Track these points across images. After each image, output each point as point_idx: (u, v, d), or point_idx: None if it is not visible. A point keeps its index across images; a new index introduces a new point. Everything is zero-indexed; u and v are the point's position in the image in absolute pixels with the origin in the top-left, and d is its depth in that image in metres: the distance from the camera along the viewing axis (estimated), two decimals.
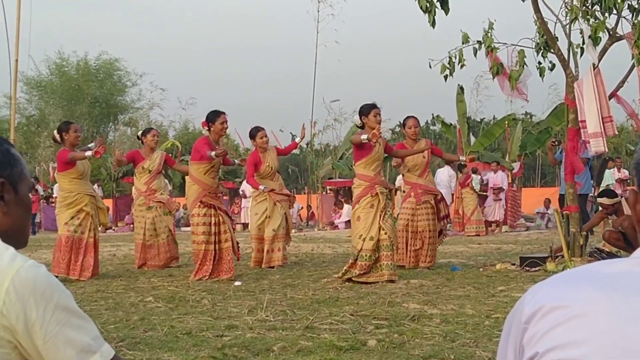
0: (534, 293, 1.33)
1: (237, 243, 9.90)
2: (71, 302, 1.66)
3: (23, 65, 20.88)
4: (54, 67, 44.16)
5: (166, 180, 12.14)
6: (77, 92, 43.11)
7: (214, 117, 9.58)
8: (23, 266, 1.61)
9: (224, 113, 9.63)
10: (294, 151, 15.99)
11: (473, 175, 19.94)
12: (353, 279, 8.71)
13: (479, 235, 19.03)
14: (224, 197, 28.37)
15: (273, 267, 10.67)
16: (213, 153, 9.28)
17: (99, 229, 10.53)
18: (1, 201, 1.74)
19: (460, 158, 12.48)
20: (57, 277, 8.30)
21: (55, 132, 10.20)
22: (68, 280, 9.49)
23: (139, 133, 12.25)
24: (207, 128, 9.60)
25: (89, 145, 10.59)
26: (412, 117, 10.60)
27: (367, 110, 9.09)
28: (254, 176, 11.23)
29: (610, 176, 21.09)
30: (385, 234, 8.76)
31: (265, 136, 11.32)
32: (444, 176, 20.54)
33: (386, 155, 9.52)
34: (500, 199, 21.14)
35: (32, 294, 1.59)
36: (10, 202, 1.75)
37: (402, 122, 10.94)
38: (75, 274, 9.69)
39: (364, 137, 8.76)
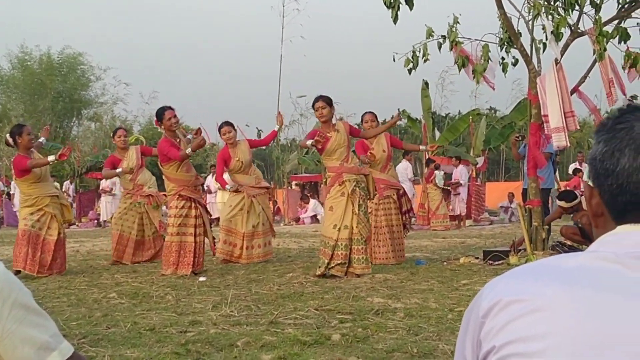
0: (491, 287, 1.33)
1: (214, 239, 9.91)
2: (29, 300, 1.64)
3: None
4: (17, 61, 43.54)
5: (150, 174, 12.03)
6: (40, 87, 42.55)
7: (161, 114, 9.63)
8: None
9: (170, 108, 9.65)
10: (260, 146, 15.92)
11: (436, 172, 20.04)
12: (331, 270, 8.72)
13: (446, 229, 19.11)
14: None
15: (239, 263, 10.66)
16: (188, 150, 9.29)
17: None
18: None
19: (421, 147, 12.51)
20: (19, 272, 8.24)
21: (7, 135, 9.95)
22: (30, 277, 9.37)
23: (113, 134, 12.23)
24: (159, 126, 9.66)
25: (40, 140, 10.52)
26: (369, 112, 10.58)
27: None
28: (222, 174, 11.22)
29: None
30: (356, 227, 8.76)
31: (230, 132, 11.12)
32: (401, 169, 20.67)
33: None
34: (459, 194, 21.27)
35: None
36: None
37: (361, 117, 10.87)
38: (33, 269, 9.56)
39: (309, 142, 8.80)
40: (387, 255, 10.27)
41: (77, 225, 26.67)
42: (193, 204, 9.56)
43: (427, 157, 22.35)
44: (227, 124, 11.18)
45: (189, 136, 10.26)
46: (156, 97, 48.25)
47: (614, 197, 1.33)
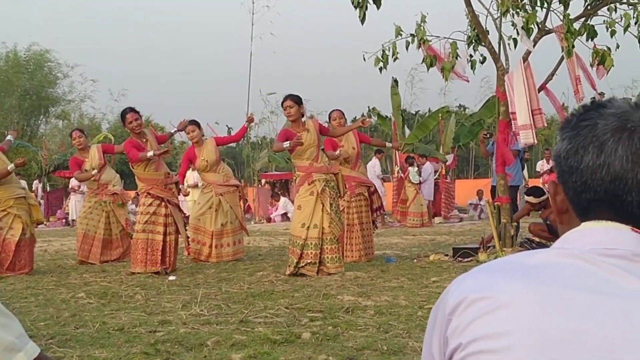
0: (457, 284, 1.34)
1: (188, 237, 9.86)
2: None
3: None
4: None
5: (114, 172, 11.96)
6: (7, 85, 42.03)
7: (123, 117, 9.67)
8: None
9: (132, 110, 9.61)
10: (231, 144, 15.86)
11: (409, 168, 20.07)
12: (302, 269, 8.71)
13: (422, 226, 19.07)
14: None
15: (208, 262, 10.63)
16: (150, 154, 9.26)
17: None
18: None
19: (387, 144, 12.55)
20: None
21: None
22: None
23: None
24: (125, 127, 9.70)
25: (8, 138, 10.45)
26: (337, 110, 10.58)
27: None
28: (184, 173, 11.23)
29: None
30: (328, 226, 8.77)
31: (194, 130, 11.02)
32: (369, 167, 20.75)
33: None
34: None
35: None
36: None
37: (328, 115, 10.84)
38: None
39: (286, 144, 8.77)
40: (359, 253, 10.30)
41: (46, 225, 26.40)
42: (163, 203, 9.51)
43: (397, 154, 22.44)
44: (192, 122, 11.06)
45: (173, 130, 10.32)
46: (125, 94, 47.92)
47: (578, 194, 1.34)
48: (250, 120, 11.72)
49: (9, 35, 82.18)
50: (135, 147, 9.41)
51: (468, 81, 10.86)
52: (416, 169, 20.09)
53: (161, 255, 9.41)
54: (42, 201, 27.31)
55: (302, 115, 9.14)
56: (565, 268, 1.26)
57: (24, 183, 24.62)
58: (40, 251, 13.40)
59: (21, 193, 9.96)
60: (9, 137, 10.51)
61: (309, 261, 8.72)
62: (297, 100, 9.04)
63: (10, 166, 9.59)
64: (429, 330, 1.39)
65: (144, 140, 9.53)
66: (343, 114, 10.60)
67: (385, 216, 20.92)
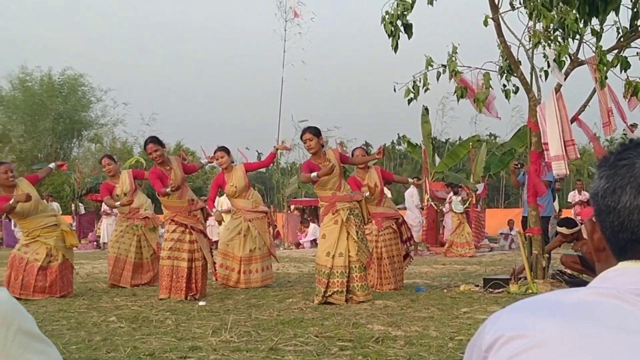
0: (494, 321, 1.34)
1: (215, 263, 9.85)
2: (33, 326, 1.65)
3: None
4: (17, 82, 43.66)
5: (145, 196, 12.04)
6: (41, 108, 42.62)
7: (144, 146, 9.76)
8: None
9: (152, 141, 9.62)
10: (260, 170, 15.91)
11: (454, 197, 19.86)
12: (329, 298, 8.71)
13: (462, 256, 18.58)
14: None
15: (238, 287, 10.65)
16: (167, 190, 9.35)
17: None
18: None
19: (409, 180, 12.52)
20: (19, 299, 8.22)
21: None
22: (30, 300, 9.36)
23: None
24: None
25: (50, 166, 10.49)
26: (359, 147, 10.54)
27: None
28: (214, 199, 11.32)
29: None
30: (355, 254, 8.76)
31: (223, 157, 11.06)
32: (406, 196, 20.69)
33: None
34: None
35: None
36: None
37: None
38: (15, 291, 9.49)
39: (313, 175, 8.81)
40: (388, 287, 10.31)
41: (77, 247, 26.62)
42: (187, 229, 9.50)
43: (427, 182, 22.33)
44: (221, 149, 11.14)
45: (203, 160, 10.30)
46: (155, 118, 48.38)
47: (615, 233, 1.34)
48: (281, 147, 11.74)
49: (44, 59, 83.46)
50: (159, 177, 9.46)
51: (499, 118, 10.88)
52: (460, 198, 19.84)
53: (187, 281, 9.40)
54: (73, 223, 27.53)
55: (322, 146, 9.17)
56: (602, 307, 1.27)
57: (56, 205, 24.94)
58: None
59: (50, 222, 9.96)
60: (51, 165, 10.49)
61: (336, 289, 8.71)
62: (315, 132, 9.10)
63: (12, 202, 9.53)
64: None
65: (168, 168, 9.54)
66: (366, 152, 10.68)
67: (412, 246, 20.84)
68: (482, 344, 1.32)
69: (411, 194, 20.65)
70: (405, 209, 21.71)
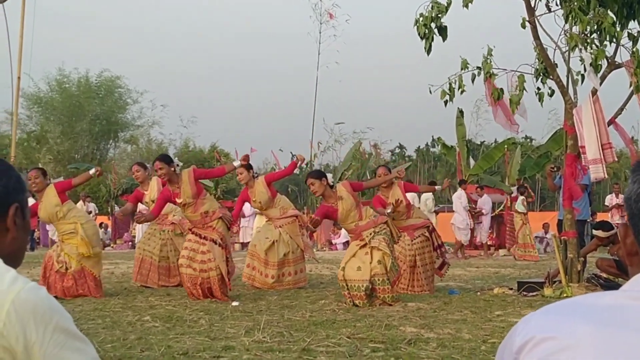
0: (525, 323, 1.35)
1: (229, 273, 9.59)
2: (70, 325, 1.68)
3: (23, 81, 20.98)
4: (55, 83, 44.17)
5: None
6: (78, 109, 43.07)
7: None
8: (24, 288, 1.63)
9: (158, 159, 9.61)
10: (295, 171, 15.85)
11: (519, 197, 19.58)
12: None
13: (526, 259, 18.29)
14: None
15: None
16: (149, 217, 9.83)
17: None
18: (14, 225, 1.78)
19: (437, 187, 12.40)
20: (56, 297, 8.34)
21: None
22: (67, 300, 9.49)
23: None
24: None
25: (90, 172, 10.48)
26: (382, 166, 10.52)
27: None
28: (238, 215, 11.68)
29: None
30: (379, 263, 8.75)
31: (242, 173, 11.06)
32: (454, 199, 20.54)
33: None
34: (481, 222, 21.07)
35: (32, 315, 1.61)
36: (19, 226, 1.80)
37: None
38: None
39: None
40: (419, 289, 10.30)
41: (112, 247, 26.91)
42: (202, 240, 9.49)
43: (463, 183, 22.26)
44: (243, 164, 11.17)
45: (236, 163, 10.17)
46: (194, 121, 48.72)
47: None
48: (300, 158, 11.76)
49: (81, 61, 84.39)
50: (164, 198, 9.61)
51: (517, 132, 10.83)
52: (523, 197, 19.49)
53: (205, 289, 9.41)
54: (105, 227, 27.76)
55: (331, 186, 9.18)
56: (634, 311, 1.27)
57: (92, 206, 25.23)
58: (107, 273, 13.65)
59: (67, 230, 10.01)
60: (90, 172, 10.49)
61: (357, 302, 8.77)
62: (317, 175, 9.25)
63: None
64: None
65: (177, 186, 9.51)
66: (389, 170, 10.68)
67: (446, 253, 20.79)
68: (513, 346, 1.33)
69: (459, 197, 20.48)
70: (448, 211, 21.61)
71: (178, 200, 9.44)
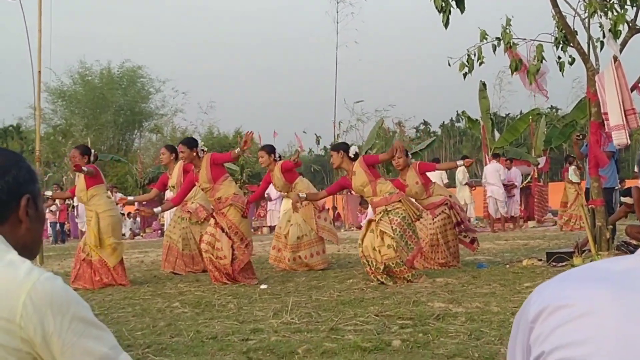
0: (539, 292, 1.33)
1: (236, 259, 9.47)
2: (88, 313, 1.68)
3: (45, 75, 21.14)
4: (78, 76, 44.44)
5: (196, 190, 11.84)
6: (102, 101, 43.37)
7: None
8: (39, 279, 1.63)
9: (180, 143, 9.83)
10: (319, 152, 15.79)
11: (569, 167, 19.26)
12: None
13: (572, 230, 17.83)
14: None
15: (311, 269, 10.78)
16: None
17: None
18: (27, 217, 1.79)
19: (458, 163, 12.06)
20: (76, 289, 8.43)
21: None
22: (97, 290, 9.57)
23: None
24: None
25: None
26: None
27: None
28: (260, 195, 11.89)
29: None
30: (393, 250, 8.75)
31: (262, 156, 11.10)
32: (492, 171, 20.39)
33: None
34: (514, 195, 20.91)
35: (49, 306, 1.61)
36: (33, 217, 1.81)
37: None
38: (72, 279, 9.87)
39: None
40: (446, 261, 10.30)
41: (142, 236, 27.14)
42: (217, 226, 9.54)
43: (487, 158, 22.13)
44: (262, 148, 11.27)
45: (237, 150, 9.80)
46: (213, 106, 48.83)
47: None
48: (298, 152, 12.03)
49: (102, 53, 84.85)
50: (190, 181, 9.88)
51: (547, 97, 10.70)
52: (574, 167, 19.10)
53: (225, 274, 9.47)
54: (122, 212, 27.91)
55: (353, 158, 9.23)
56: None
57: (119, 197, 25.38)
58: (137, 262, 13.78)
59: (88, 217, 10.16)
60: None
61: (379, 278, 8.78)
62: (335, 147, 9.50)
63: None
64: (512, 339, 1.39)
65: (197, 170, 9.59)
66: (406, 152, 10.74)
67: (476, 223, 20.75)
68: (529, 316, 1.31)
69: (497, 169, 20.36)
70: (476, 186, 21.42)
71: (197, 184, 9.55)
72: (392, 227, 8.78)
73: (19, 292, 1.61)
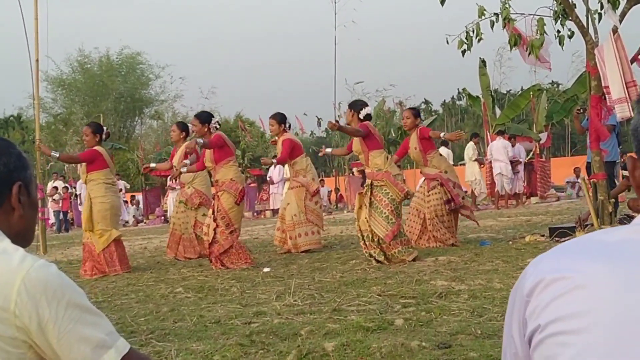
0: (535, 265, 1.32)
1: (216, 243, 9.41)
2: (83, 299, 1.67)
3: (44, 64, 21.08)
4: (77, 64, 44.38)
5: (195, 174, 11.64)
6: (102, 88, 43.34)
7: None
8: (33, 266, 1.62)
9: (194, 116, 9.80)
10: (321, 134, 15.79)
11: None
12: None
13: None
14: (252, 185, 28.50)
15: (308, 251, 10.69)
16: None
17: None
18: (19, 204, 1.77)
19: (441, 134, 11.75)
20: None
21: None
22: (100, 277, 9.59)
23: None
24: None
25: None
26: (409, 108, 10.27)
27: None
28: (284, 159, 11.18)
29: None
30: (371, 226, 8.78)
31: (272, 125, 11.19)
32: (499, 147, 20.36)
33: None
34: (518, 172, 20.90)
35: (44, 293, 1.60)
36: (25, 204, 1.79)
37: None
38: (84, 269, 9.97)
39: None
40: (444, 237, 10.20)
41: (145, 223, 27.18)
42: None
43: (489, 135, 22.11)
44: (272, 116, 11.24)
45: (200, 140, 9.64)
46: (214, 92, 48.78)
47: None
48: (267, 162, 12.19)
49: (101, 40, 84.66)
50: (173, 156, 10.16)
51: (550, 69, 10.65)
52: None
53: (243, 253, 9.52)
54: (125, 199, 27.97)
55: (364, 119, 9.18)
56: None
57: (122, 184, 25.40)
58: (140, 248, 13.80)
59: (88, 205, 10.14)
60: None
61: (371, 252, 8.81)
62: (351, 106, 9.40)
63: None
64: (508, 313, 1.38)
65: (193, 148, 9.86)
66: (412, 113, 10.56)
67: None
68: (524, 290, 1.30)
69: (505, 146, 20.33)
70: (477, 163, 21.38)
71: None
72: (374, 204, 8.81)
73: (13, 280, 1.60)
